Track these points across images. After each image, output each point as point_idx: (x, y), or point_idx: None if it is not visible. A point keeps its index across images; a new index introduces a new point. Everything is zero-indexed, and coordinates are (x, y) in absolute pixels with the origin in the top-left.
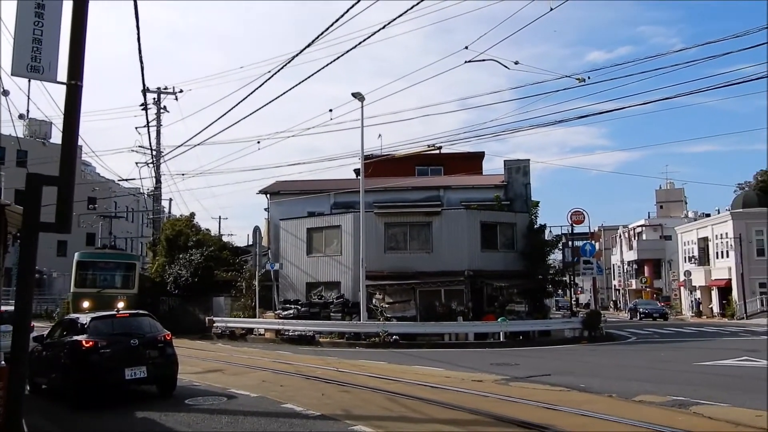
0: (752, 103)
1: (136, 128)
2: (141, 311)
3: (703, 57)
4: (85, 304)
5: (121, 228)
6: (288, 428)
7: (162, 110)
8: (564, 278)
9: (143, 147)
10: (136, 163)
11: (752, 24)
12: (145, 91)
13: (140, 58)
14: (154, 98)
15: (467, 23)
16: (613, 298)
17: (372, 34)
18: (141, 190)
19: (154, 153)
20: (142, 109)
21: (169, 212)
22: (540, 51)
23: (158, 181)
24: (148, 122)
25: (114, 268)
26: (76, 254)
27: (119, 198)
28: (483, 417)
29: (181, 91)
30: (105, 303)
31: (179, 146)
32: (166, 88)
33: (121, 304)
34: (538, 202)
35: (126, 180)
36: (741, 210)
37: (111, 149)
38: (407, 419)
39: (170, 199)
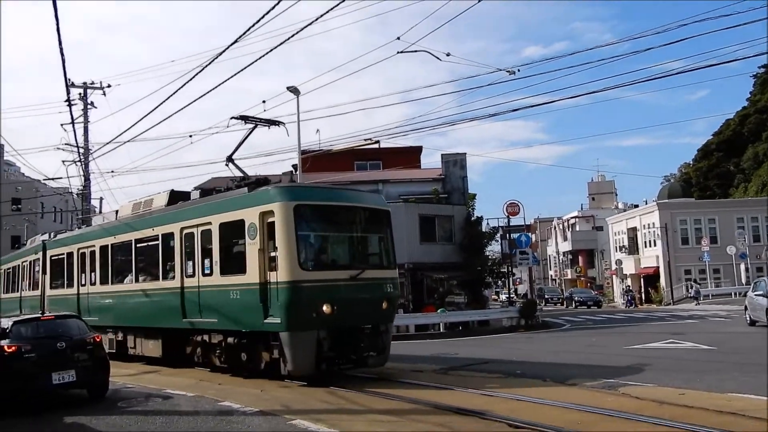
0: (679, 97)
1: (62, 125)
2: (68, 313)
3: (628, 52)
4: (325, 308)
5: (49, 228)
6: (225, 426)
7: (89, 106)
8: (502, 269)
9: (70, 144)
10: (63, 162)
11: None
12: (69, 85)
13: (60, 49)
14: (80, 93)
15: (409, 17)
16: (563, 288)
17: (306, 26)
18: (69, 189)
19: (82, 150)
20: (67, 105)
21: (100, 212)
22: (480, 46)
23: (87, 179)
24: (73, 119)
25: (367, 223)
26: (269, 190)
27: (45, 198)
28: (422, 406)
29: (109, 86)
30: (366, 303)
31: (108, 143)
32: (92, 83)
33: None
34: (474, 195)
35: (52, 179)
36: (666, 200)
37: (36, 147)
38: (346, 411)
39: (101, 198)
